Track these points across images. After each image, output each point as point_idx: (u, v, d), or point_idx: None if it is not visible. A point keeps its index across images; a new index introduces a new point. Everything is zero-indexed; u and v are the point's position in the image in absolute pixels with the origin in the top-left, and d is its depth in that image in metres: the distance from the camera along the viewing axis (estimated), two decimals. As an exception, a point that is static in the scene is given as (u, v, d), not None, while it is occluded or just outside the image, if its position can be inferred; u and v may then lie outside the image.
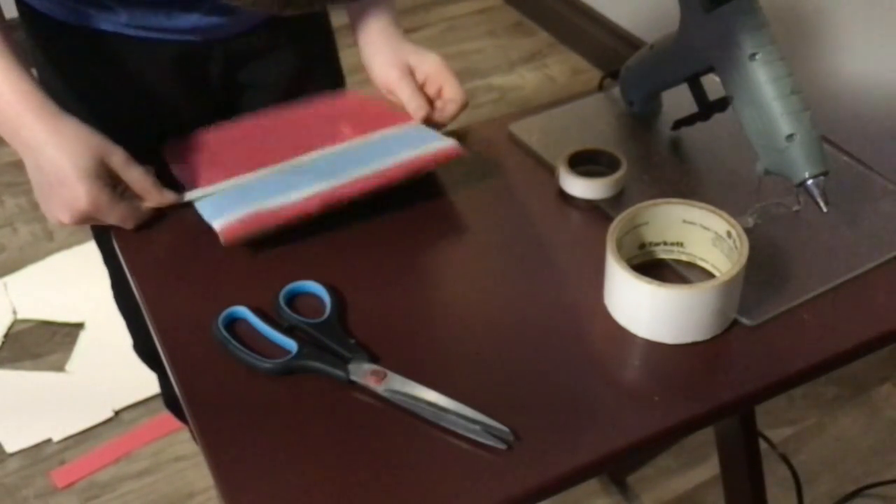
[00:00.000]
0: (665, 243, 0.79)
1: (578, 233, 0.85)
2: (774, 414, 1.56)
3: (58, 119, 0.78)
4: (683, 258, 0.79)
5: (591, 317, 0.75)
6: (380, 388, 0.68)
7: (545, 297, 0.77)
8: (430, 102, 0.94)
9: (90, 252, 1.22)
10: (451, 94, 0.94)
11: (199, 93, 0.98)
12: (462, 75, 0.95)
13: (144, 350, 1.20)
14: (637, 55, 0.95)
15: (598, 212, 0.85)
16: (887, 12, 1.62)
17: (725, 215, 0.74)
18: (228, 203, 0.82)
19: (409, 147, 0.88)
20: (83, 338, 1.73)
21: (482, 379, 0.70)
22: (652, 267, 0.78)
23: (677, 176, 0.90)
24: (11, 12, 0.86)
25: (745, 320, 0.73)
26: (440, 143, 0.88)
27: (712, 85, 0.87)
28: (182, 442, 1.54)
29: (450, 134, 0.93)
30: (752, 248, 0.71)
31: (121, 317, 1.17)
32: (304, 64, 1.03)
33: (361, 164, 0.86)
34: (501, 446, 0.64)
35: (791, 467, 1.44)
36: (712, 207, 0.75)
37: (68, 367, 1.67)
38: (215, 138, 0.92)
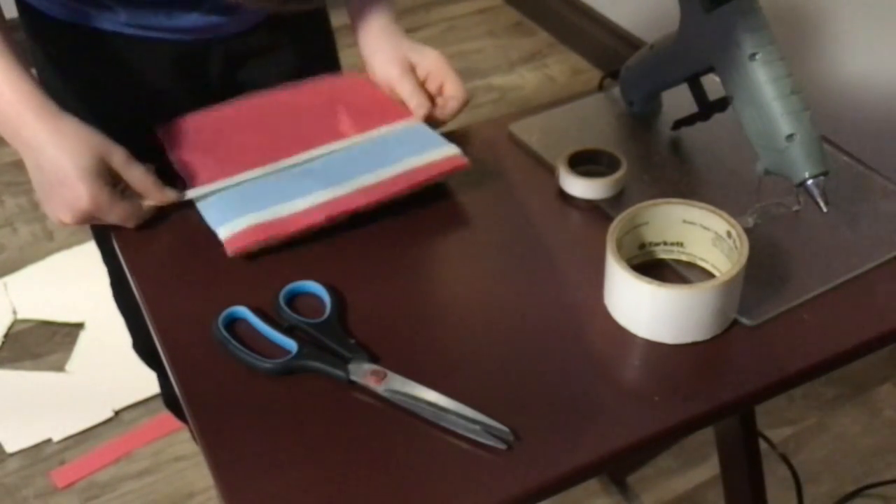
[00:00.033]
0: (665, 243, 0.79)
1: (578, 233, 0.85)
2: (774, 414, 1.56)
3: (58, 119, 0.78)
4: (683, 258, 0.79)
5: (591, 317, 0.75)
6: (380, 388, 0.68)
7: (545, 297, 0.77)
8: (431, 99, 0.94)
9: (90, 252, 1.22)
10: (452, 91, 0.94)
11: (198, 92, 0.98)
12: (462, 75, 0.95)
13: (144, 349, 1.20)
14: (637, 55, 0.95)
15: (598, 212, 0.85)
16: (887, 12, 1.62)
17: (725, 215, 0.74)
18: (232, 208, 0.82)
19: (413, 153, 0.87)
20: (83, 338, 1.73)
21: (482, 379, 0.70)
22: (652, 267, 0.78)
23: (677, 176, 0.90)
24: (11, 12, 0.86)
25: (745, 320, 0.73)
26: (444, 151, 0.87)
27: (712, 85, 0.87)
28: (182, 442, 1.54)
29: (450, 134, 0.93)
30: (752, 248, 0.71)
31: (120, 316, 1.17)
32: (304, 63, 1.03)
33: (366, 170, 0.85)
34: (501, 446, 0.64)
35: (791, 467, 1.44)
36: (712, 207, 0.75)
37: (68, 367, 1.67)
38: (213, 122, 0.92)
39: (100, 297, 1.26)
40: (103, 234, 0.99)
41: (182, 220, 0.85)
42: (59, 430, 1.55)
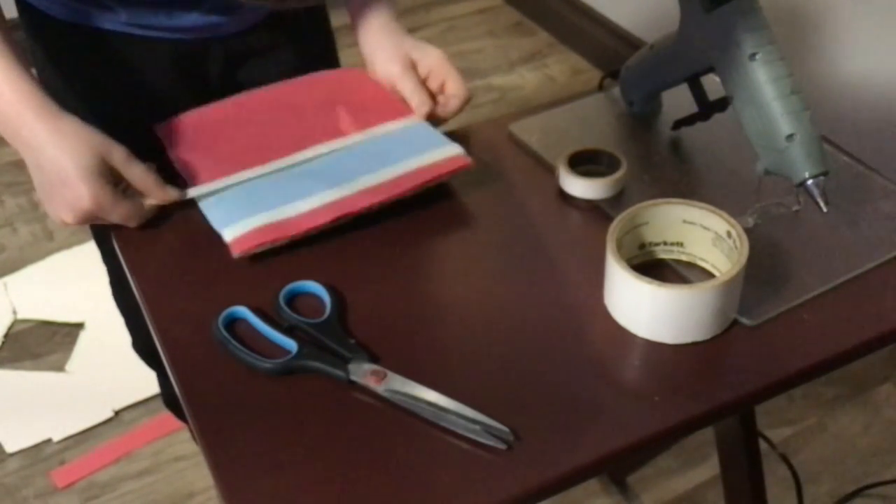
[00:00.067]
0: (665, 243, 0.79)
1: (578, 233, 0.85)
2: (774, 414, 1.56)
3: (58, 118, 0.78)
4: (683, 258, 0.79)
5: (591, 317, 0.75)
6: (380, 388, 0.68)
7: (545, 297, 0.77)
8: (433, 97, 0.94)
9: (90, 252, 1.22)
10: (454, 89, 0.93)
11: (198, 91, 0.98)
12: (462, 75, 0.95)
13: (144, 348, 1.20)
14: (637, 55, 0.95)
15: (598, 212, 0.85)
16: (887, 12, 1.62)
17: (725, 215, 0.74)
18: (236, 208, 0.82)
19: (416, 152, 0.87)
20: (83, 338, 1.73)
21: (482, 379, 0.69)
22: (652, 267, 0.78)
23: (677, 176, 0.90)
24: (11, 12, 0.86)
25: (745, 320, 0.73)
26: (447, 151, 0.87)
27: (712, 85, 0.87)
28: (182, 442, 1.54)
29: (450, 134, 0.93)
30: (752, 248, 0.71)
31: (120, 316, 1.17)
32: (304, 63, 1.03)
33: (369, 170, 0.85)
34: (501, 446, 0.64)
35: (791, 467, 1.44)
36: (712, 207, 0.75)
37: (68, 367, 1.67)
38: (212, 119, 0.92)
39: (100, 297, 1.25)
40: (103, 234, 0.99)
41: (182, 219, 0.85)
42: (59, 430, 1.55)
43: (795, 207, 0.83)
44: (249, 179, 0.86)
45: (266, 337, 0.73)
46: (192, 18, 0.93)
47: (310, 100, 0.95)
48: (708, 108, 0.89)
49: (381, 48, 0.95)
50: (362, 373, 0.69)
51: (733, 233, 0.73)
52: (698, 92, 0.89)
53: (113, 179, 0.80)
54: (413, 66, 0.94)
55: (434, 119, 0.93)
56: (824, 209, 0.77)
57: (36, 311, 1.78)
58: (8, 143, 0.80)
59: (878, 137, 1.66)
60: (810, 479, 1.45)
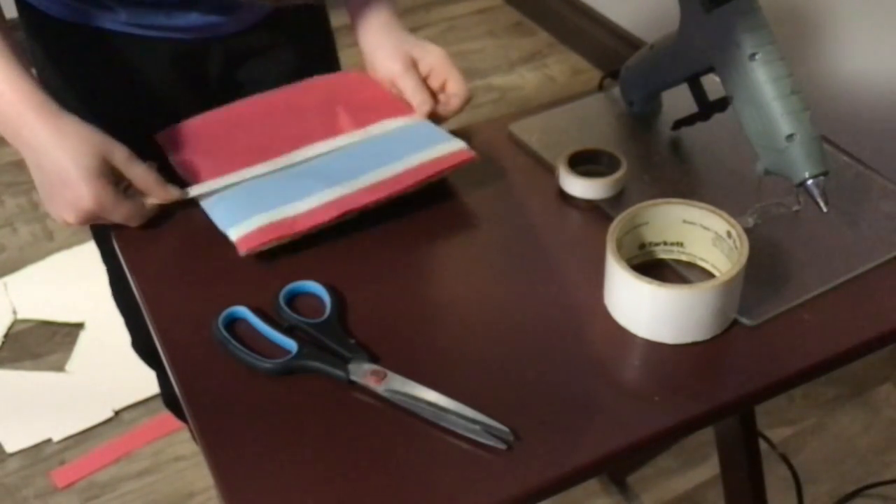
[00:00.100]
0: (665, 243, 0.79)
1: (578, 233, 0.85)
2: (774, 414, 1.56)
3: (59, 118, 0.78)
4: (683, 258, 0.79)
5: (591, 317, 0.74)
6: (380, 388, 0.68)
7: (545, 297, 0.77)
8: (434, 96, 0.94)
9: (90, 252, 1.22)
10: (455, 88, 0.93)
11: (198, 91, 0.98)
12: (462, 75, 0.95)
13: (143, 348, 1.20)
14: (637, 55, 0.95)
15: (598, 212, 0.85)
16: (887, 12, 1.62)
17: (725, 215, 0.74)
18: (240, 207, 0.81)
19: (417, 149, 0.87)
20: (83, 338, 1.73)
21: (482, 379, 0.69)
22: (652, 267, 0.78)
23: (677, 176, 0.90)
24: (11, 12, 0.86)
25: (745, 320, 0.73)
26: (450, 146, 0.87)
27: (712, 85, 0.87)
28: (182, 442, 1.54)
29: (450, 133, 0.93)
30: (752, 248, 0.71)
31: (120, 316, 1.17)
32: (304, 63, 1.03)
33: (372, 167, 0.85)
34: (501, 446, 0.64)
35: (791, 467, 1.44)
36: (712, 207, 0.75)
37: (68, 367, 1.67)
38: (212, 124, 0.92)
39: (100, 297, 1.26)
40: (103, 234, 0.99)
41: (182, 219, 0.85)
42: (59, 430, 1.55)
43: (795, 207, 0.83)
44: (251, 178, 0.86)
45: (266, 337, 0.73)
46: (191, 18, 0.93)
47: (309, 101, 0.95)
48: (708, 108, 0.89)
49: (381, 46, 0.95)
50: (362, 373, 0.69)
51: (733, 233, 0.73)
52: (698, 92, 0.89)
53: (114, 179, 0.80)
54: (414, 65, 0.94)
55: (435, 118, 0.93)
56: (824, 209, 0.77)
57: (36, 311, 1.78)
58: (8, 143, 0.80)
59: (878, 137, 1.66)
60: (810, 479, 1.45)
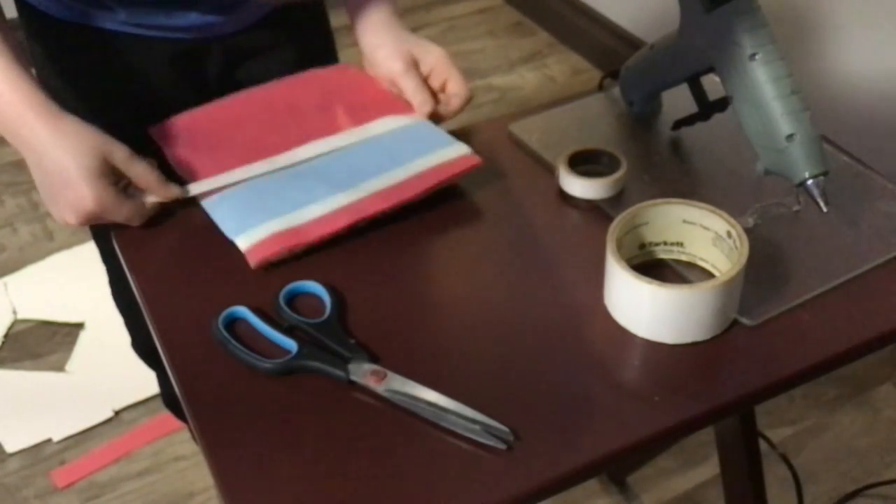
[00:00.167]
0: (665, 243, 0.79)
1: (578, 233, 0.85)
2: (774, 414, 1.56)
3: (59, 118, 0.78)
4: (683, 258, 0.79)
5: (591, 317, 0.75)
6: (380, 388, 0.68)
7: (545, 296, 0.77)
8: (434, 96, 0.94)
9: (90, 252, 1.22)
10: (455, 88, 0.93)
11: (197, 91, 0.98)
12: (462, 75, 0.95)
13: (143, 349, 1.20)
14: (637, 55, 0.95)
15: (598, 212, 0.85)
16: (887, 12, 1.62)
17: (725, 215, 0.74)
18: (246, 213, 0.81)
19: (422, 153, 0.87)
20: (83, 338, 1.73)
21: (482, 379, 0.70)
22: (652, 267, 0.78)
23: (677, 176, 0.90)
24: (11, 12, 0.86)
25: (745, 320, 0.73)
26: (456, 151, 0.87)
27: (712, 85, 0.87)
28: (182, 442, 1.54)
29: (450, 133, 0.93)
30: (752, 248, 0.71)
31: (120, 316, 1.17)
32: (303, 63, 1.03)
33: (378, 172, 0.85)
34: (501, 446, 0.64)
35: (791, 467, 1.44)
36: (712, 207, 0.75)
37: (68, 367, 1.67)
38: (209, 120, 0.91)
39: (100, 297, 1.25)
40: (103, 234, 0.99)
41: (182, 219, 0.85)
42: (59, 430, 1.55)
43: (795, 207, 0.83)
44: (252, 178, 0.85)
45: (266, 337, 0.73)
46: (190, 18, 0.93)
47: (306, 97, 0.94)
48: (708, 108, 0.89)
49: (382, 45, 0.95)
50: (362, 373, 0.69)
51: (733, 233, 0.73)
52: (698, 92, 0.89)
53: (114, 179, 0.80)
54: (415, 65, 0.94)
55: (435, 118, 0.93)
56: (824, 209, 0.77)
57: (36, 311, 1.78)
58: (8, 143, 0.80)
59: (878, 137, 1.67)
60: (810, 479, 1.45)
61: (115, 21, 0.92)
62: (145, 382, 1.47)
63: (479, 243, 0.84)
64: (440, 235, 0.84)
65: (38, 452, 1.53)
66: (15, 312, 1.78)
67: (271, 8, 0.99)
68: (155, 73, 0.97)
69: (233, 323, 0.74)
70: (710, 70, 0.84)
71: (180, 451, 1.53)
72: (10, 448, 1.53)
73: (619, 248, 0.72)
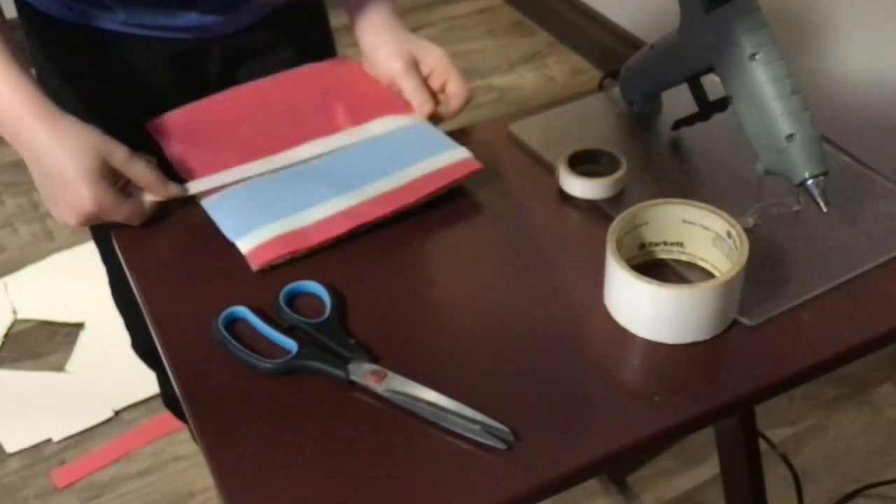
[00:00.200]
0: (665, 243, 0.79)
1: (578, 233, 0.85)
2: (774, 414, 1.56)
3: (57, 119, 0.78)
4: (683, 258, 0.79)
5: (591, 317, 0.75)
6: (380, 388, 0.68)
7: (545, 297, 0.77)
8: (434, 96, 0.94)
9: (90, 252, 1.22)
10: (455, 89, 0.93)
11: (197, 91, 0.98)
12: (462, 75, 0.95)
13: (143, 349, 1.20)
14: (637, 55, 0.95)
15: (598, 212, 0.85)
16: (887, 12, 1.62)
17: (725, 215, 0.74)
18: (246, 215, 0.81)
19: (424, 156, 0.87)
20: (83, 338, 1.73)
21: (482, 379, 0.69)
22: (652, 267, 0.78)
23: (677, 176, 0.90)
24: (11, 12, 0.86)
25: (745, 320, 0.73)
26: (456, 155, 0.87)
27: (712, 85, 0.87)
28: (182, 442, 1.54)
29: (449, 133, 0.93)
30: (752, 248, 0.71)
31: (120, 316, 1.17)
32: (303, 63, 1.03)
33: (380, 175, 0.85)
34: (501, 446, 0.64)
35: (791, 467, 1.44)
36: (712, 207, 0.75)
37: (68, 367, 1.67)
38: (206, 116, 0.91)
39: (100, 297, 1.26)
40: (102, 234, 0.99)
41: (182, 219, 0.85)
42: (59, 430, 1.55)
43: (795, 207, 0.83)
44: (252, 178, 0.85)
45: (266, 337, 0.73)
46: (190, 18, 0.93)
47: (306, 95, 0.94)
48: (708, 108, 0.89)
49: (382, 44, 0.95)
50: (362, 373, 0.69)
51: (733, 233, 0.73)
52: (698, 92, 0.89)
53: (113, 179, 0.80)
54: (415, 65, 0.93)
55: (434, 118, 0.93)
56: (824, 209, 0.77)
57: (36, 311, 1.78)
58: (8, 143, 0.80)
59: (878, 137, 1.66)
60: (810, 479, 1.45)
61: (115, 21, 0.92)
62: (145, 382, 1.47)
63: (479, 243, 0.84)
64: (440, 235, 0.84)
65: (38, 452, 1.53)
66: (15, 312, 1.78)
67: (271, 8, 0.99)
68: (155, 73, 0.97)
69: (233, 323, 0.74)
70: (710, 70, 0.84)
71: (180, 451, 1.53)
72: (10, 448, 1.53)
73: (619, 248, 0.72)
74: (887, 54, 1.65)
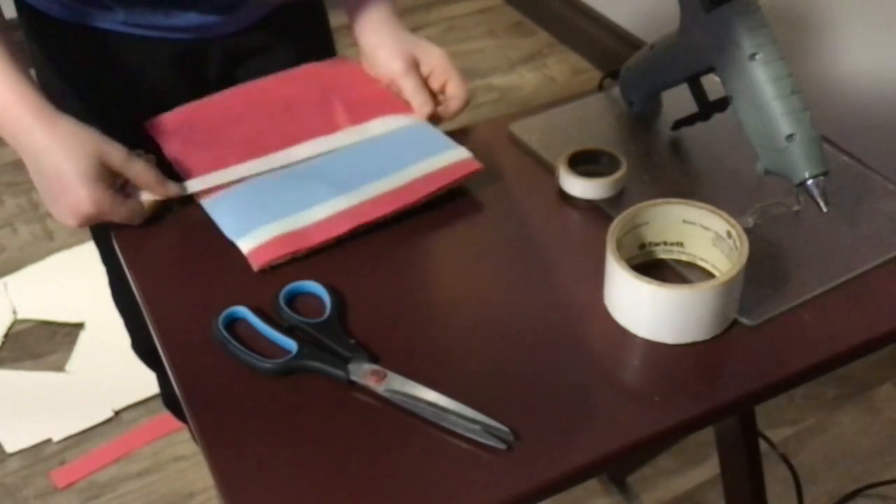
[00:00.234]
0: (665, 243, 0.79)
1: (578, 233, 0.85)
2: (774, 414, 1.56)
3: (55, 120, 0.78)
4: (683, 258, 0.79)
5: (591, 317, 0.74)
6: (380, 388, 0.68)
7: (545, 297, 0.77)
8: (434, 97, 0.94)
9: (90, 252, 1.22)
10: (455, 90, 0.93)
11: (197, 91, 0.98)
12: (462, 75, 0.95)
13: (143, 349, 1.20)
14: (637, 55, 0.95)
15: (598, 212, 0.85)
16: (887, 12, 1.62)
17: (725, 215, 0.74)
18: (247, 215, 0.81)
19: (424, 156, 0.87)
20: (83, 338, 1.73)
21: (482, 379, 0.69)
22: (652, 267, 0.78)
23: (677, 176, 0.90)
24: (11, 12, 0.86)
25: (745, 320, 0.73)
26: (457, 155, 0.87)
27: (712, 85, 0.87)
28: (182, 442, 1.54)
29: (449, 133, 0.93)
30: (752, 248, 0.71)
31: (120, 316, 1.17)
32: (302, 63, 1.03)
33: (380, 175, 0.85)
34: (501, 446, 0.64)
35: (791, 467, 1.44)
36: (712, 207, 0.75)
37: (68, 367, 1.67)
38: (205, 115, 0.91)
39: (100, 297, 1.26)
40: (102, 234, 0.99)
41: (182, 219, 0.85)
42: (59, 430, 1.55)
43: (795, 207, 0.83)
44: (251, 177, 0.85)
45: (266, 337, 0.73)
46: (189, 18, 0.93)
47: (305, 94, 0.94)
48: (708, 108, 0.89)
49: (382, 45, 0.95)
50: (362, 373, 0.69)
51: (733, 233, 0.73)
52: (698, 92, 0.89)
53: (112, 180, 0.80)
54: (415, 65, 0.93)
55: (434, 119, 0.93)
56: (824, 209, 0.77)
57: (36, 311, 1.78)
58: (8, 143, 0.80)
59: (878, 137, 1.66)
60: (810, 479, 1.45)
61: (115, 21, 0.92)
62: (145, 382, 1.47)
63: (479, 243, 0.84)
64: (440, 235, 0.84)
65: (38, 452, 1.53)
66: (15, 312, 1.78)
67: (271, 8, 0.99)
68: (154, 73, 0.97)
69: (233, 323, 0.74)
70: (710, 70, 0.84)
71: (180, 451, 1.53)
72: (10, 448, 1.53)
73: (619, 248, 0.72)
74: (887, 54, 1.65)
